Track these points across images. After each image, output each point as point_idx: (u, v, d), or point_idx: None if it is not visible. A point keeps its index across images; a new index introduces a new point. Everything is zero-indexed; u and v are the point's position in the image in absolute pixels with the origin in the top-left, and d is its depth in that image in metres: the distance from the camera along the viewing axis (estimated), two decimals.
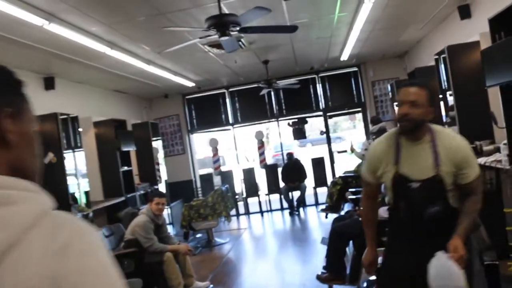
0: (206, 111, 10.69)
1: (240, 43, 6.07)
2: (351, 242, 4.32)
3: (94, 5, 4.35)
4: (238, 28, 4.09)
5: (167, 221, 8.84)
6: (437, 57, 5.40)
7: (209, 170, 11.37)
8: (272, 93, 10.05)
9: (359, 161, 7.21)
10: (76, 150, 6.36)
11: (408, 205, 2.38)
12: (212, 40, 5.03)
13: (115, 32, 5.14)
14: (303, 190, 9.67)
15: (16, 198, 0.74)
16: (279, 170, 10.18)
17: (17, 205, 0.74)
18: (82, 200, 6.39)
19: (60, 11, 4.31)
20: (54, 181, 5.57)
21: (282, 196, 9.89)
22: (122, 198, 7.20)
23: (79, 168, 6.45)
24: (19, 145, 0.84)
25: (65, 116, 5.98)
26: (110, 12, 4.60)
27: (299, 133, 10.77)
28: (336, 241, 4.32)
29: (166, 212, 8.87)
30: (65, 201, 5.55)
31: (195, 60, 7.20)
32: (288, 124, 10.65)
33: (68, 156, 6.12)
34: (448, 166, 2.28)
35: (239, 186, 10.44)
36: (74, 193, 6.34)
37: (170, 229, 8.65)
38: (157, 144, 9.34)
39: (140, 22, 4.93)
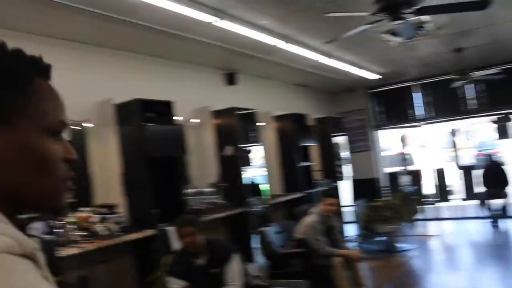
0: (393, 106, 9.98)
1: (424, 28, 5.39)
2: None
3: None
4: (411, 10, 3.51)
5: (351, 220, 8.54)
6: None
7: (396, 168, 10.63)
8: (468, 85, 8.88)
9: None
10: (256, 144, 6.44)
11: None
12: (390, 26, 4.52)
13: (286, 24, 4.98)
14: (505, 198, 8.31)
15: None
16: (477, 172, 8.94)
17: None
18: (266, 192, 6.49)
19: (229, 7, 4.30)
20: (231, 173, 5.70)
21: (480, 203, 8.66)
22: (301, 194, 7.09)
23: (259, 161, 6.56)
24: (9, 163, 0.63)
25: (245, 111, 6.08)
26: (279, 4, 4.44)
27: (504, 131, 9.36)
28: None
29: (350, 210, 8.60)
30: (240, 193, 5.63)
31: (377, 50, 6.68)
32: (493, 121, 9.32)
33: (253, 149, 6.27)
34: None
35: (429, 188, 9.52)
36: (258, 184, 6.46)
37: (353, 229, 8.32)
38: (341, 139, 9.04)
39: (309, 11, 4.66)
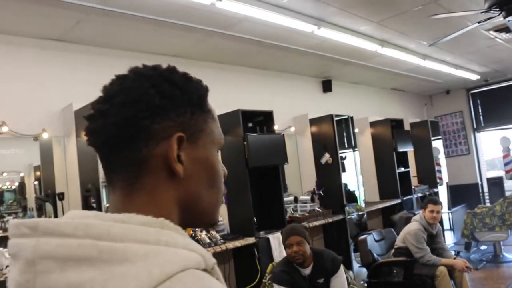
0: (496, 106, 9.44)
1: None
2: None
3: (360, 4, 4.23)
4: None
5: (448, 227, 8.21)
6: None
7: (500, 173, 10.03)
8: None
9: None
10: (352, 150, 6.41)
11: None
12: (497, 23, 4.31)
13: (385, 28, 4.92)
14: None
15: (131, 254, 0.54)
16: None
17: (130, 264, 0.53)
18: (361, 199, 6.43)
19: (328, 15, 4.35)
20: (329, 180, 5.72)
21: None
22: (398, 201, 6.94)
23: (356, 168, 6.51)
24: (191, 176, 0.68)
25: (341, 118, 6.08)
26: (377, 9, 4.41)
27: None
28: None
29: (446, 217, 8.26)
30: (338, 200, 5.63)
31: (479, 49, 6.39)
32: None
33: (348, 155, 6.26)
34: None
35: None
36: (354, 191, 6.43)
37: (450, 237, 8.00)
38: (438, 143, 8.69)
39: (409, 14, 4.57)
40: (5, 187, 4.06)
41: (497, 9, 3.42)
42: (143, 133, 0.65)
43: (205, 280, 0.56)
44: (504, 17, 3.50)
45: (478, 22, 3.86)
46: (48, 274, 0.53)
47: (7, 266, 3.18)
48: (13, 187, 4.12)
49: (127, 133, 0.65)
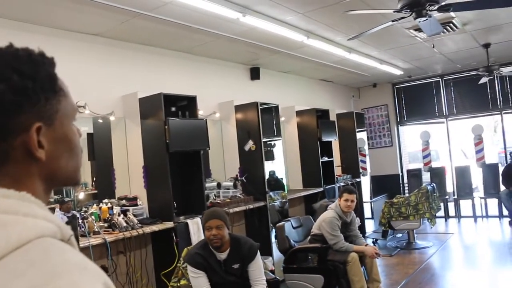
0: (418, 101, 9.92)
1: (451, 24, 5.36)
2: None
3: None
4: (436, 7, 3.52)
5: (369, 216, 8.56)
6: None
7: (419, 165, 10.57)
8: (496, 81, 8.78)
9: None
10: (279, 138, 6.51)
11: None
12: (416, 23, 4.51)
13: (310, 20, 5.00)
14: None
15: None
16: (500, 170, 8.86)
17: None
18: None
19: (254, 3, 4.39)
20: (253, 167, 5.78)
21: (502, 202, 8.59)
22: (321, 189, 7.15)
23: (280, 156, 6.62)
24: (52, 156, 0.72)
25: (267, 106, 6.15)
26: (302, 0, 4.46)
27: None
28: None
29: (368, 206, 8.61)
30: (261, 187, 5.71)
31: (401, 46, 6.65)
32: None
33: (277, 143, 6.37)
34: None
35: (451, 185, 9.45)
36: (282, 179, 6.55)
37: (370, 225, 8.34)
38: (362, 135, 9.01)
39: (334, 8, 4.67)
40: None
41: (408, 11, 3.58)
42: (2, 127, 0.67)
43: (59, 246, 0.62)
44: (414, 19, 3.67)
45: (392, 21, 4.02)
46: None
47: None
48: None
49: None
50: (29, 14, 4.06)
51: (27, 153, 0.69)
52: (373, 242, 7.41)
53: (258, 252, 3.44)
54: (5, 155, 0.68)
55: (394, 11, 3.73)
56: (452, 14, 5.00)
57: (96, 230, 3.91)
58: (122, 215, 4.20)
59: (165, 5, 4.12)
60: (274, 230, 5.43)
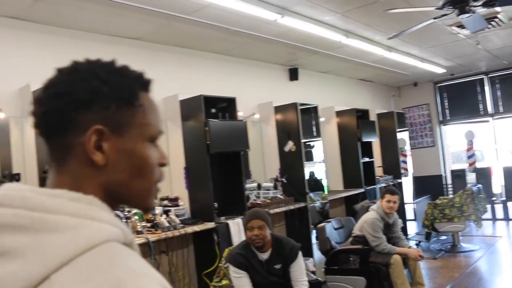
0: (461, 100, 9.65)
1: (496, 19, 5.20)
2: None
3: None
4: (480, 3, 3.41)
5: (411, 218, 8.38)
6: None
7: (463, 165, 10.27)
8: None
9: None
10: (319, 139, 6.47)
11: None
12: (458, 19, 4.40)
13: (349, 19, 4.96)
14: None
15: (62, 225, 0.61)
16: None
17: (61, 234, 0.60)
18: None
19: (292, 4, 4.38)
20: (293, 168, 5.77)
21: None
22: (361, 190, 7.05)
23: (320, 156, 6.58)
24: (115, 165, 0.73)
25: (307, 106, 6.13)
26: (341, 0, 4.42)
27: None
28: None
29: (411, 207, 8.44)
30: (301, 188, 5.69)
31: (443, 43, 6.50)
32: None
33: (316, 144, 6.33)
34: None
35: (498, 187, 9.14)
36: (321, 180, 6.51)
37: (413, 227, 8.17)
38: (404, 135, 8.84)
39: (373, 7, 4.61)
40: None
41: (451, 7, 3.48)
42: (68, 123, 0.71)
43: (123, 251, 0.64)
44: (457, 15, 3.57)
45: (434, 18, 3.92)
46: None
47: None
48: None
49: (54, 122, 0.72)
50: (73, 21, 4.19)
51: (86, 154, 0.72)
52: (416, 244, 7.24)
53: (300, 253, 3.42)
54: (69, 149, 0.72)
55: (436, 8, 3.65)
56: (498, 8, 4.84)
57: (139, 229, 3.97)
58: (164, 215, 4.26)
59: (203, 8, 4.17)
60: (314, 231, 5.39)
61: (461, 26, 5.28)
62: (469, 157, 9.51)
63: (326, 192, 6.33)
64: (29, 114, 0.75)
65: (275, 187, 5.64)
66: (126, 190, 0.75)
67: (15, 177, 3.87)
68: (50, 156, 0.75)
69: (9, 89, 3.90)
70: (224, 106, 4.85)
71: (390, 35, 5.35)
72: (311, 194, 5.89)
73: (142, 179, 0.76)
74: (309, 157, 6.33)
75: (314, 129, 6.42)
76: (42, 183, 3.76)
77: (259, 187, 5.66)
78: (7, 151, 4.02)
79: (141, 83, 0.78)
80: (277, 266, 3.34)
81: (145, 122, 0.76)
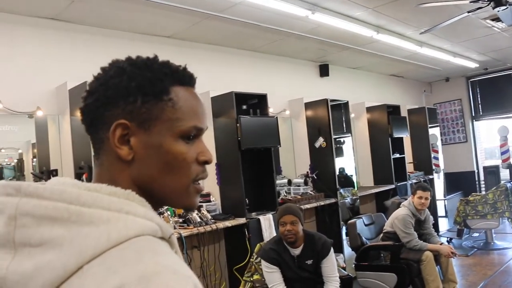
0: (495, 95, 9.44)
1: None
2: None
3: None
4: None
5: (442, 214, 8.28)
6: None
7: (498, 161, 10.06)
8: None
9: None
10: (349, 134, 6.46)
11: None
12: (493, 11, 4.32)
13: (380, 14, 4.92)
14: None
15: (96, 218, 0.63)
16: None
17: (94, 227, 0.62)
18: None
19: (323, 0, 4.35)
20: (323, 164, 5.78)
21: None
22: (392, 186, 7.00)
23: (350, 152, 6.56)
24: (143, 160, 0.74)
25: (337, 102, 6.12)
26: None
27: None
28: None
29: (442, 204, 8.33)
30: (331, 184, 5.69)
31: (476, 37, 6.38)
32: None
33: (346, 140, 6.32)
34: None
35: None
36: (351, 176, 6.50)
37: (444, 224, 8.07)
38: (435, 131, 8.71)
39: (404, 1, 4.57)
40: (4, 164, 4.13)
41: (486, 0, 3.42)
42: (99, 119, 0.75)
43: (156, 245, 0.64)
44: (493, 8, 3.51)
45: (468, 12, 3.87)
46: (26, 228, 0.63)
47: None
48: (12, 164, 4.19)
49: (90, 118, 0.77)
50: (107, 21, 4.29)
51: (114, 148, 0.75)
52: (447, 241, 7.16)
53: (332, 249, 3.44)
54: (101, 143, 0.76)
55: (470, 2, 3.59)
56: None
57: (172, 225, 4.05)
58: (196, 211, 4.33)
59: (235, 5, 4.21)
60: (345, 227, 5.39)
61: (496, 19, 5.18)
62: (503, 153, 9.31)
63: (356, 188, 6.31)
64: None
65: (306, 183, 5.66)
66: (159, 187, 0.75)
67: (53, 173, 4.01)
68: (93, 150, 0.79)
69: (47, 88, 4.03)
70: (255, 103, 4.89)
71: (422, 30, 5.30)
72: (341, 190, 5.88)
73: (174, 175, 0.76)
74: (339, 153, 6.31)
75: (344, 125, 6.40)
76: (78, 178, 3.88)
77: (289, 183, 5.70)
78: (45, 148, 4.16)
79: (175, 77, 0.78)
80: (309, 262, 3.36)
81: (175, 117, 0.75)
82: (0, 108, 3.65)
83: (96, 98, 0.75)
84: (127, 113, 0.73)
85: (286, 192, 5.60)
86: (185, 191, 0.77)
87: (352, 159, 6.63)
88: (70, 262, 0.59)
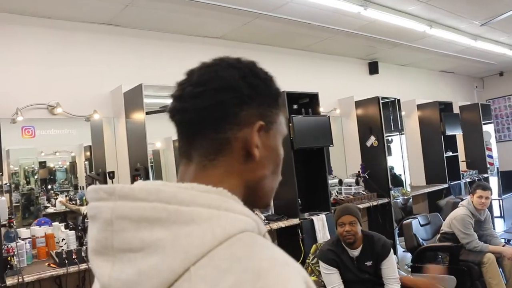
0: None
1: None
2: None
3: None
4: None
5: (498, 215, 7.97)
6: None
7: None
8: None
9: None
10: (399, 133, 6.31)
11: None
12: None
13: (433, 8, 4.79)
14: None
15: (197, 216, 0.60)
16: None
17: (196, 225, 0.59)
18: (407, 183, 6.34)
19: None
20: (374, 163, 5.67)
21: None
22: (445, 185, 6.81)
23: (403, 151, 6.42)
24: (262, 161, 0.74)
25: (387, 100, 5.99)
26: None
27: None
28: None
29: (497, 204, 8.02)
30: (383, 183, 5.58)
31: None
32: None
33: (394, 138, 6.19)
34: None
35: None
36: (400, 175, 6.36)
37: (500, 224, 7.78)
38: (489, 127, 8.41)
39: None
40: (57, 166, 4.24)
41: None
42: (231, 118, 0.72)
43: (261, 240, 0.62)
44: None
45: None
46: (124, 232, 0.61)
47: (63, 239, 3.35)
48: (65, 167, 4.29)
49: (216, 116, 0.71)
50: (158, 24, 4.35)
51: (244, 149, 0.72)
52: (505, 242, 6.88)
53: (392, 250, 3.34)
54: (226, 144, 0.71)
55: None
56: None
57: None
58: None
59: (285, 4, 4.18)
60: (398, 228, 5.26)
61: None
62: None
63: (405, 188, 6.16)
64: (171, 108, 0.75)
65: (357, 183, 5.56)
66: (263, 186, 0.76)
67: (109, 175, 4.07)
68: (194, 150, 0.73)
69: (102, 91, 4.11)
70: (306, 102, 4.84)
71: (476, 22, 5.12)
72: (393, 190, 5.75)
73: (276, 176, 0.78)
74: (388, 152, 6.18)
75: (393, 123, 6.26)
76: (134, 180, 3.93)
77: (340, 182, 5.61)
78: (101, 150, 4.25)
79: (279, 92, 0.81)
80: (368, 263, 3.28)
81: (279, 121, 0.78)
82: (59, 112, 3.75)
83: (231, 95, 0.72)
84: (259, 114, 0.74)
85: (337, 192, 5.52)
86: (274, 190, 0.80)
87: (400, 158, 6.47)
88: (176, 264, 0.57)
